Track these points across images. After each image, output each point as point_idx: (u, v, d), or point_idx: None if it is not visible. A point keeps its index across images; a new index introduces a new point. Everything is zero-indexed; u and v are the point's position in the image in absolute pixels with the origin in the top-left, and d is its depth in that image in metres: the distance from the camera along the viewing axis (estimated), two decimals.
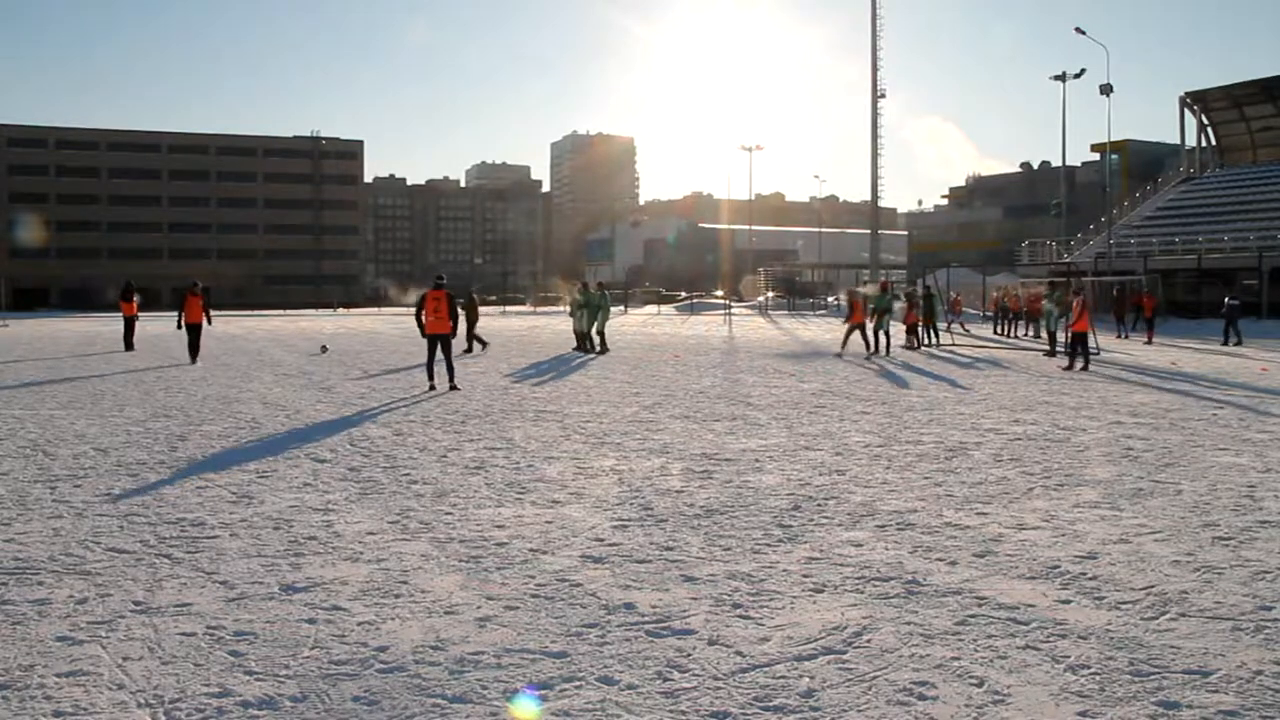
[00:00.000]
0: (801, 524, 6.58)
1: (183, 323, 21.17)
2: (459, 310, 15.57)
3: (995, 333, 33.96)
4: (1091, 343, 24.06)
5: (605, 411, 12.60)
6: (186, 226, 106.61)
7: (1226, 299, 28.96)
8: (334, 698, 3.79)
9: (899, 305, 29.61)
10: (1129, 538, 6.20)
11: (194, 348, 20.73)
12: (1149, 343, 28.60)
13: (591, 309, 24.56)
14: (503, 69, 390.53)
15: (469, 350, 23.66)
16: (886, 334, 24.12)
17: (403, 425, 11.33)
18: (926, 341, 27.80)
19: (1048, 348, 23.79)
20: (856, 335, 23.95)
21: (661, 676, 3.99)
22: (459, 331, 16.08)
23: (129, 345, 25.21)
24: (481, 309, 29.57)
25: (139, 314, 26.70)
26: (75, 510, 6.94)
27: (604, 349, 24.18)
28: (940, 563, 5.64)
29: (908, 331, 26.84)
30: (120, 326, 26.93)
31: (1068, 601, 4.94)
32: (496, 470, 8.53)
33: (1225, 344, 27.26)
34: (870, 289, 30.11)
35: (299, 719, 3.62)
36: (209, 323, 21.49)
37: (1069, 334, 20.13)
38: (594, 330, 24.48)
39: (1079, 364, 19.38)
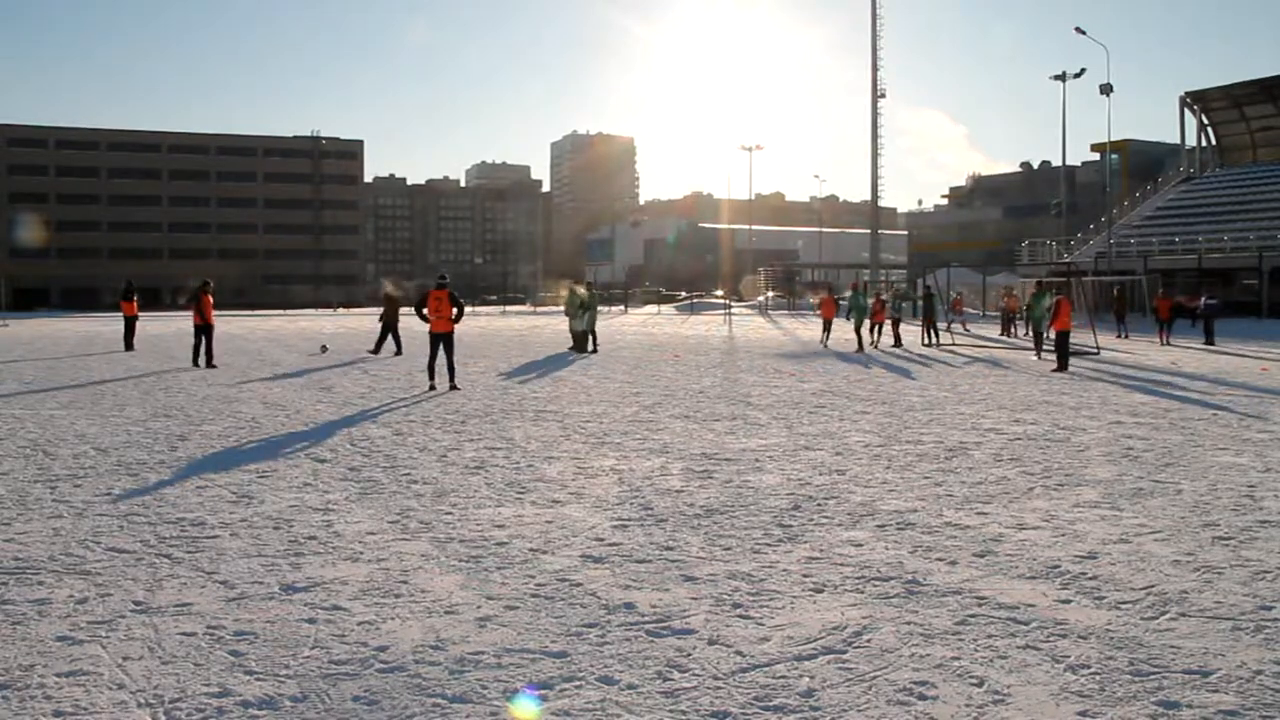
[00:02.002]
0: (801, 524, 6.58)
1: (203, 321, 19.86)
2: (458, 305, 15.32)
3: (1001, 334, 33.73)
4: (1091, 343, 24.22)
5: (605, 411, 12.60)
6: (186, 226, 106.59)
7: (1204, 299, 28.95)
8: (334, 698, 3.79)
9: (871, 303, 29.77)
10: (1129, 537, 6.20)
11: (208, 351, 19.74)
12: (1166, 344, 27.70)
13: (589, 309, 24.60)
14: (503, 69, 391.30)
15: (376, 351, 22.75)
16: (858, 332, 25.78)
17: (403, 425, 11.33)
18: (926, 341, 27.80)
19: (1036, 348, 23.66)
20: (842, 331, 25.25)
21: (661, 676, 3.99)
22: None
23: (129, 345, 25.20)
24: (481, 309, 29.24)
25: (139, 314, 26.67)
26: (75, 510, 6.94)
27: (595, 348, 24.20)
28: (940, 563, 5.64)
29: (871, 330, 26.96)
30: (121, 326, 26.82)
31: (1068, 601, 4.94)
32: (496, 470, 8.53)
33: (1210, 343, 27.40)
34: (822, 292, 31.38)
35: (299, 719, 3.63)
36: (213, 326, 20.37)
37: (1048, 334, 20.83)
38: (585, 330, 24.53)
39: (1053, 362, 19.86)
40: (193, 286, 20.98)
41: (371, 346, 23.44)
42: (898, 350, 25.44)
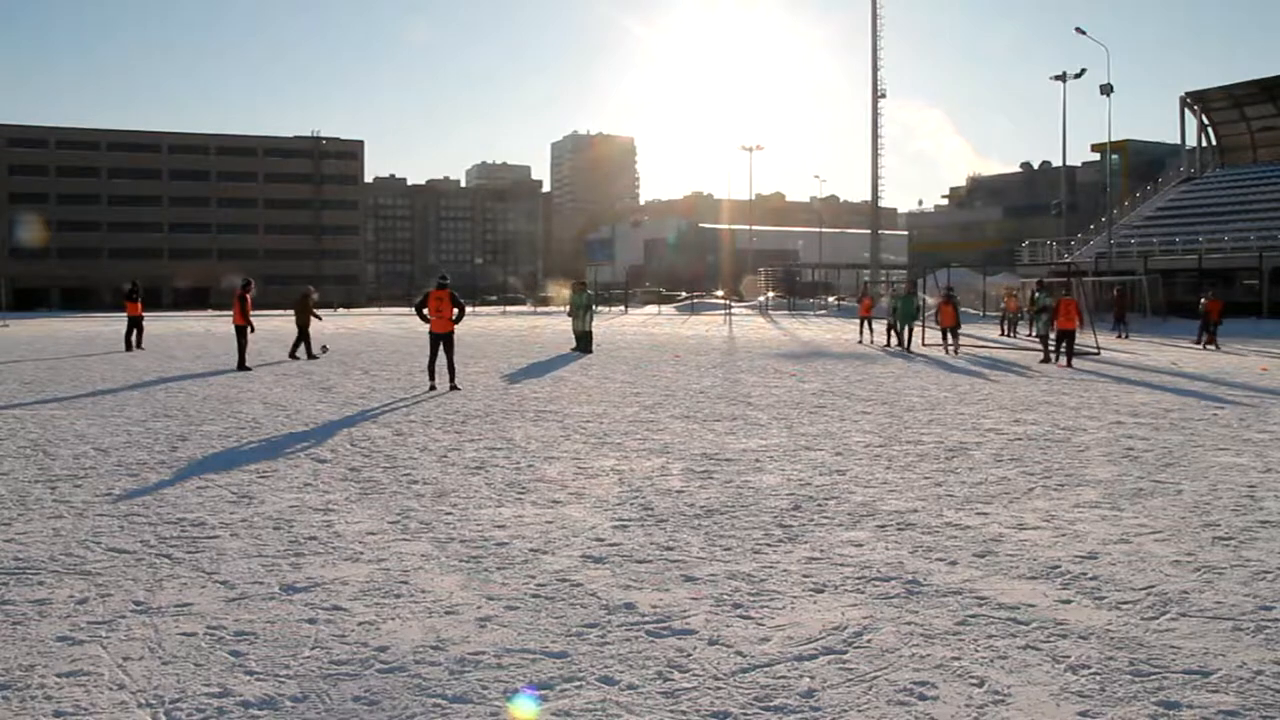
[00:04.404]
0: (802, 524, 6.58)
1: (252, 324, 19.64)
2: (459, 306, 15.30)
3: (1001, 334, 33.66)
4: (1092, 343, 24.21)
5: (605, 411, 12.60)
6: (186, 226, 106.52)
7: (1202, 300, 29.36)
8: (334, 698, 3.79)
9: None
10: (1129, 538, 6.20)
11: (243, 352, 19.37)
12: (1215, 348, 26.00)
13: (589, 309, 24.65)
14: (503, 69, 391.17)
15: (295, 356, 21.78)
16: (899, 333, 25.90)
17: (403, 425, 11.33)
18: (927, 344, 27.62)
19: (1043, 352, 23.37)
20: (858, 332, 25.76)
21: (662, 676, 3.99)
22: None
23: (133, 345, 25.05)
24: (481, 309, 28.76)
25: (144, 314, 26.58)
26: (75, 510, 6.94)
27: (588, 348, 24.18)
28: (940, 563, 5.64)
29: (944, 334, 26.71)
30: (124, 326, 26.61)
31: (1068, 601, 4.94)
32: (497, 470, 8.53)
33: (1198, 343, 27.50)
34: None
35: (299, 719, 3.63)
36: (253, 329, 19.83)
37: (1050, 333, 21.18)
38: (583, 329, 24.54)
39: (1059, 360, 20.23)
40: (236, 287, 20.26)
41: (304, 354, 22.11)
42: (892, 350, 25.44)
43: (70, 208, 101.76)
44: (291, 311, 22.49)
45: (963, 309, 35.35)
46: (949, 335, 25.55)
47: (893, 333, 27.23)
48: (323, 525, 6.53)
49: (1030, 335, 29.29)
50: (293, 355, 22.02)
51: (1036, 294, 24.20)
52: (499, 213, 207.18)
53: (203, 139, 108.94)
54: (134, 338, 25.42)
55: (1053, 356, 21.17)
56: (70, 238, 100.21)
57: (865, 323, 29.69)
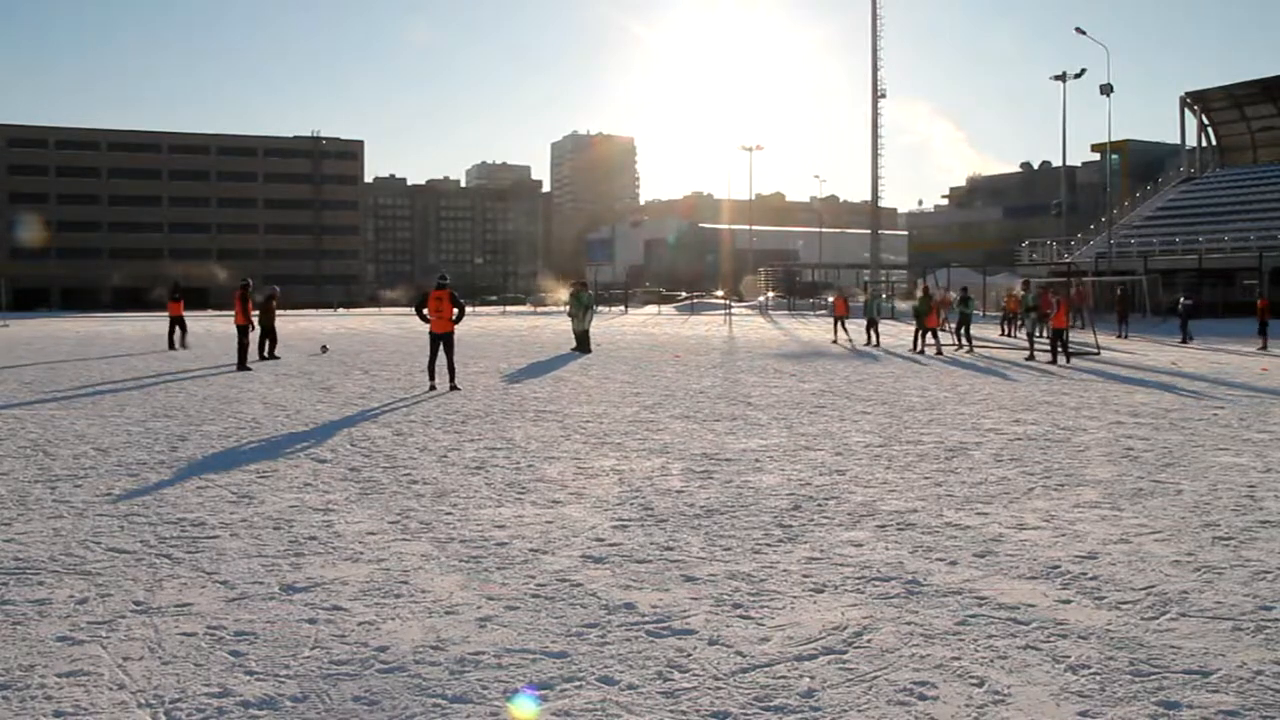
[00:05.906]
0: (802, 524, 6.58)
1: (253, 323, 19.75)
2: (459, 306, 15.31)
3: (1002, 334, 33.70)
4: (1092, 342, 24.25)
5: (605, 411, 12.60)
6: (186, 226, 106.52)
7: (1181, 300, 30.02)
8: (334, 698, 3.79)
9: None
10: (1129, 538, 6.20)
11: (241, 354, 19.40)
12: (1264, 348, 24.99)
13: (590, 309, 24.65)
14: (503, 69, 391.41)
15: (263, 357, 21.46)
16: (960, 334, 25.98)
17: (403, 425, 11.33)
18: (937, 345, 27.32)
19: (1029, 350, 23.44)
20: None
21: (662, 676, 3.99)
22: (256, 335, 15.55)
23: (181, 344, 25.27)
24: (481, 309, 28.69)
25: (186, 314, 26.67)
26: (75, 510, 6.93)
27: (587, 348, 24.16)
28: (940, 563, 5.64)
29: (921, 334, 26.59)
30: (165, 326, 26.52)
31: (1068, 601, 4.94)
32: (497, 470, 8.53)
33: (1182, 342, 28.10)
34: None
35: (299, 719, 3.63)
36: (253, 327, 19.99)
37: (1045, 331, 21.59)
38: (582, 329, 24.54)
39: (1060, 359, 20.63)
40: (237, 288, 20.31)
41: (268, 353, 21.87)
42: (877, 350, 25.41)
43: (70, 208, 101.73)
44: (257, 312, 22.31)
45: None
46: (930, 335, 25.48)
47: (872, 332, 27.75)
48: (323, 525, 6.53)
49: (1018, 334, 29.45)
50: (271, 356, 21.90)
51: (1023, 294, 24.51)
52: (499, 213, 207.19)
53: (203, 139, 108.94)
54: (177, 336, 25.60)
55: (1038, 355, 21.67)
56: (70, 238, 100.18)
57: (839, 322, 30.30)
